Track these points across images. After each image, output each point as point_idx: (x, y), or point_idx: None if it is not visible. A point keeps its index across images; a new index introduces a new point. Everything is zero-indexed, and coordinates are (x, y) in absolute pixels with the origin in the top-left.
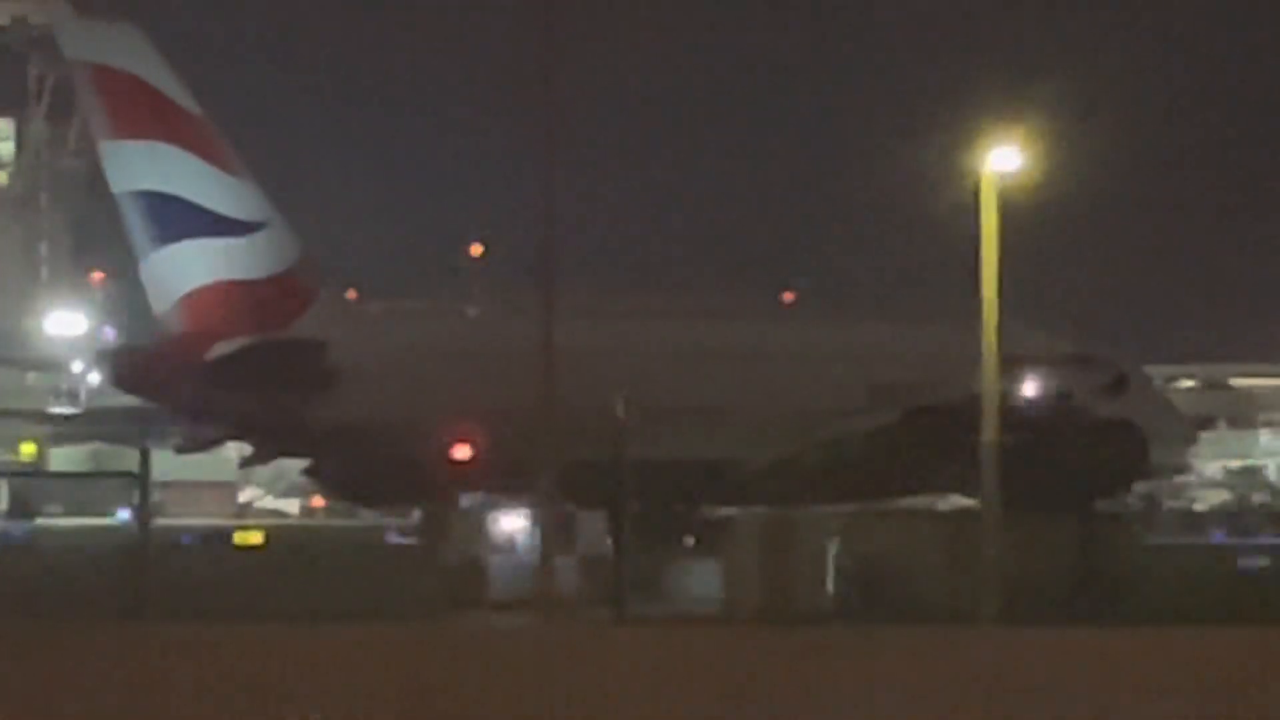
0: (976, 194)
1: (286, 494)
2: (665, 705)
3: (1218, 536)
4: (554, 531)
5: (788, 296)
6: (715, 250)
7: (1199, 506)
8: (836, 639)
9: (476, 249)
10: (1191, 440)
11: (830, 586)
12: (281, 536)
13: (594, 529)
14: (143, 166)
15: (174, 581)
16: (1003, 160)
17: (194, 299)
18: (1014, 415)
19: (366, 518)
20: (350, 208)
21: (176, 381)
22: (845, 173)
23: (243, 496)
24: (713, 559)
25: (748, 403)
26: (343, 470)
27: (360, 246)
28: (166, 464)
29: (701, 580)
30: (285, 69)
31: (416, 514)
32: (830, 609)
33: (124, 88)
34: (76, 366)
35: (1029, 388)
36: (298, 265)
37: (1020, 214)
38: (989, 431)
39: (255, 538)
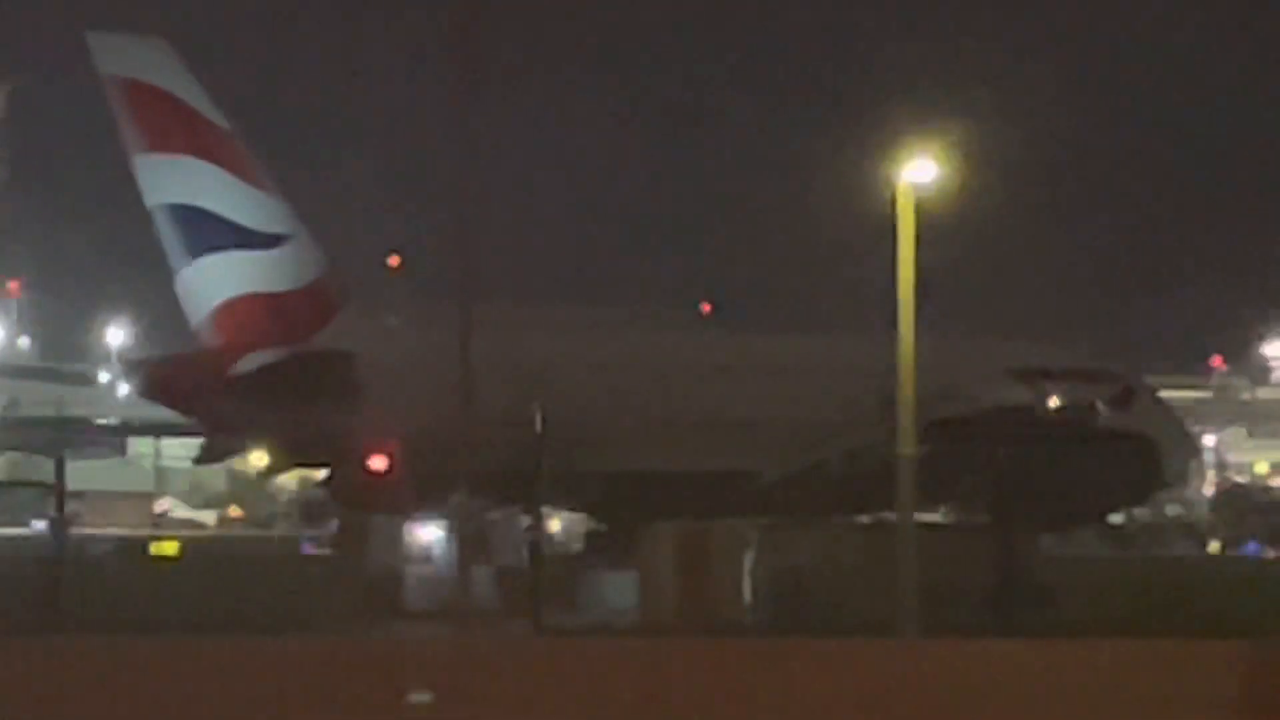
0: (892, 205)
1: (203, 505)
2: (579, 716)
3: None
4: (470, 542)
5: (705, 308)
6: (630, 262)
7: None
8: (753, 650)
9: (394, 260)
10: (1197, 453)
11: (747, 597)
12: (198, 547)
13: (511, 539)
14: (174, 180)
15: (89, 593)
16: (918, 172)
17: (224, 311)
18: (1029, 428)
19: (282, 529)
20: None
21: (204, 393)
22: (759, 184)
23: (159, 507)
24: (631, 570)
25: (765, 415)
26: (359, 480)
27: None
28: (81, 474)
29: (618, 591)
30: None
31: (333, 524)
32: (747, 620)
33: (155, 102)
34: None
35: (1042, 400)
36: (323, 277)
37: (937, 223)
38: (905, 444)
39: (171, 548)
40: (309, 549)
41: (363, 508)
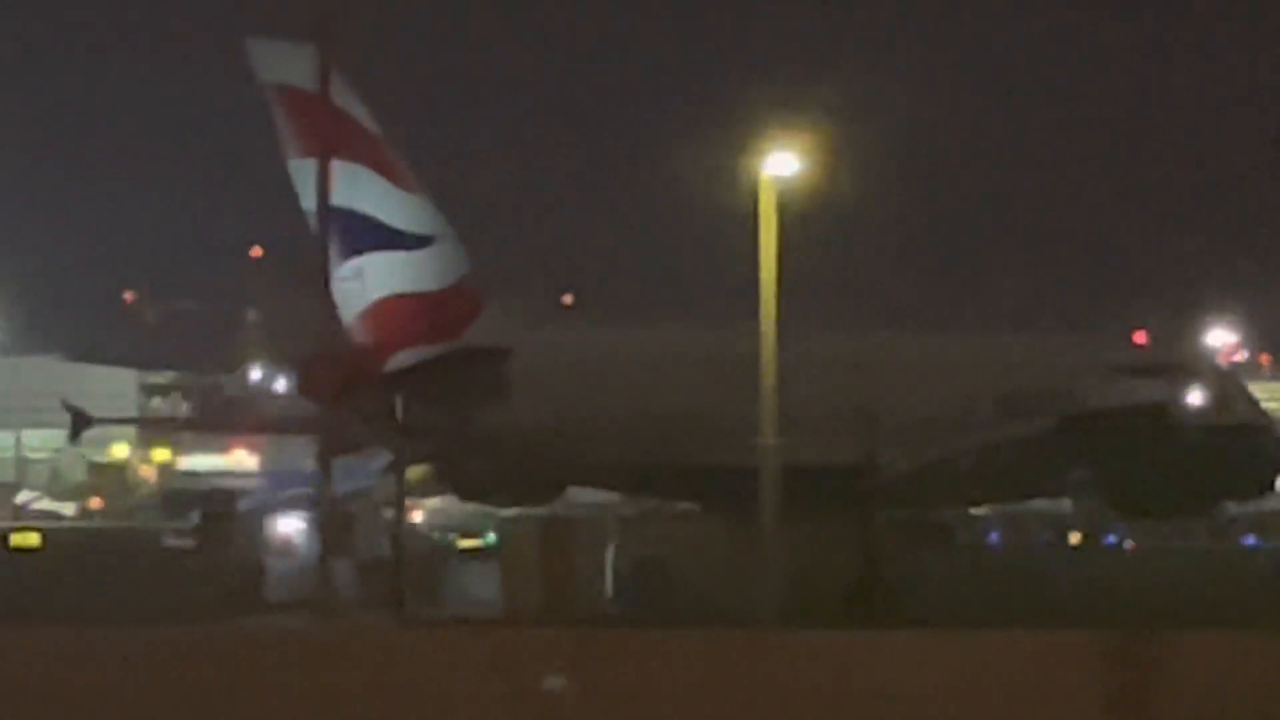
0: (755, 198)
1: (64, 497)
2: (443, 707)
3: (993, 536)
4: (332, 533)
5: (566, 299)
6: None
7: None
8: (615, 641)
9: (256, 251)
10: None
11: (609, 588)
12: (59, 539)
13: (373, 530)
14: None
15: None
16: (780, 165)
17: (375, 310)
18: (1144, 421)
19: (144, 521)
20: (129, 209)
21: (356, 390)
22: (623, 177)
23: (19, 498)
24: (492, 561)
25: (898, 409)
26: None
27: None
28: None
29: (480, 583)
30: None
31: (195, 517)
32: (610, 610)
33: (309, 107)
34: None
35: (1148, 394)
36: (467, 277)
37: (800, 216)
38: (766, 434)
39: (32, 539)
40: (171, 541)
41: (478, 500)
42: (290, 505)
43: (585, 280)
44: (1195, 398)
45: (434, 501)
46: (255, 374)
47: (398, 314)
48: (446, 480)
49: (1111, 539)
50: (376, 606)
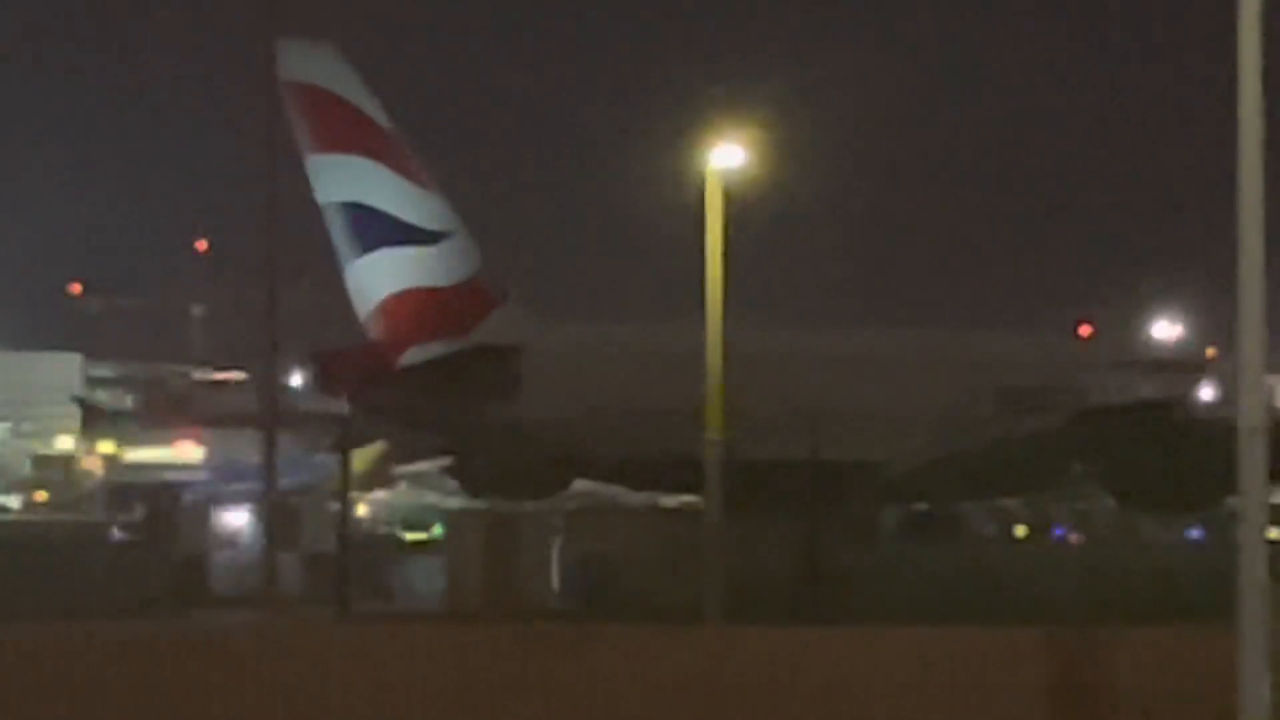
0: (701, 191)
1: (7, 490)
2: (387, 702)
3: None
4: (278, 527)
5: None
6: None
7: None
8: (560, 636)
9: (202, 244)
10: None
11: (555, 583)
12: (3, 531)
13: (318, 524)
14: (343, 179)
15: None
16: (726, 157)
17: (389, 305)
18: (1151, 417)
19: (89, 514)
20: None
21: (370, 384)
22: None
23: None
24: (438, 555)
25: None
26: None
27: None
28: None
29: (425, 577)
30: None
31: (140, 510)
32: (555, 606)
33: (327, 105)
34: None
35: (1155, 391)
36: (480, 272)
37: (747, 209)
38: (712, 429)
39: None
40: (116, 534)
41: (490, 494)
42: (236, 498)
43: (530, 276)
44: (1200, 395)
45: (380, 495)
46: (205, 368)
47: (411, 309)
48: (453, 474)
49: (1060, 532)
50: (321, 600)
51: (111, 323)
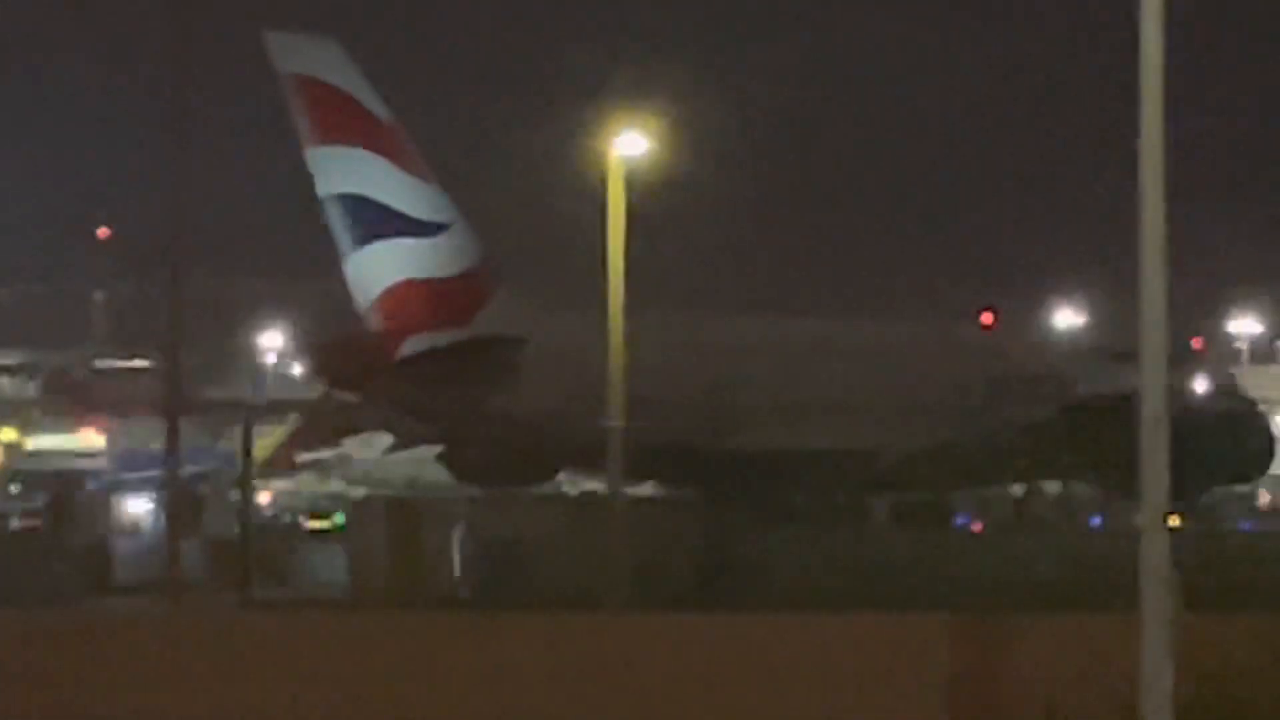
0: (604, 179)
1: None
2: (288, 690)
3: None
4: (180, 514)
5: None
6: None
7: None
8: (462, 624)
9: (104, 231)
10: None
11: (457, 571)
12: None
13: (220, 511)
14: (343, 171)
15: None
16: (628, 145)
17: (388, 296)
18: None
19: None
20: None
21: (370, 374)
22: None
23: None
24: (341, 542)
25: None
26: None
27: None
28: None
29: (328, 564)
30: None
31: (41, 498)
32: (457, 593)
33: (327, 97)
34: None
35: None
36: (479, 264)
37: (649, 197)
38: (615, 416)
39: None
40: (17, 522)
41: (480, 482)
42: (138, 486)
43: None
44: (1189, 385)
45: (282, 482)
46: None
47: (410, 300)
48: (444, 462)
49: (964, 519)
50: (224, 588)
51: (12, 310)
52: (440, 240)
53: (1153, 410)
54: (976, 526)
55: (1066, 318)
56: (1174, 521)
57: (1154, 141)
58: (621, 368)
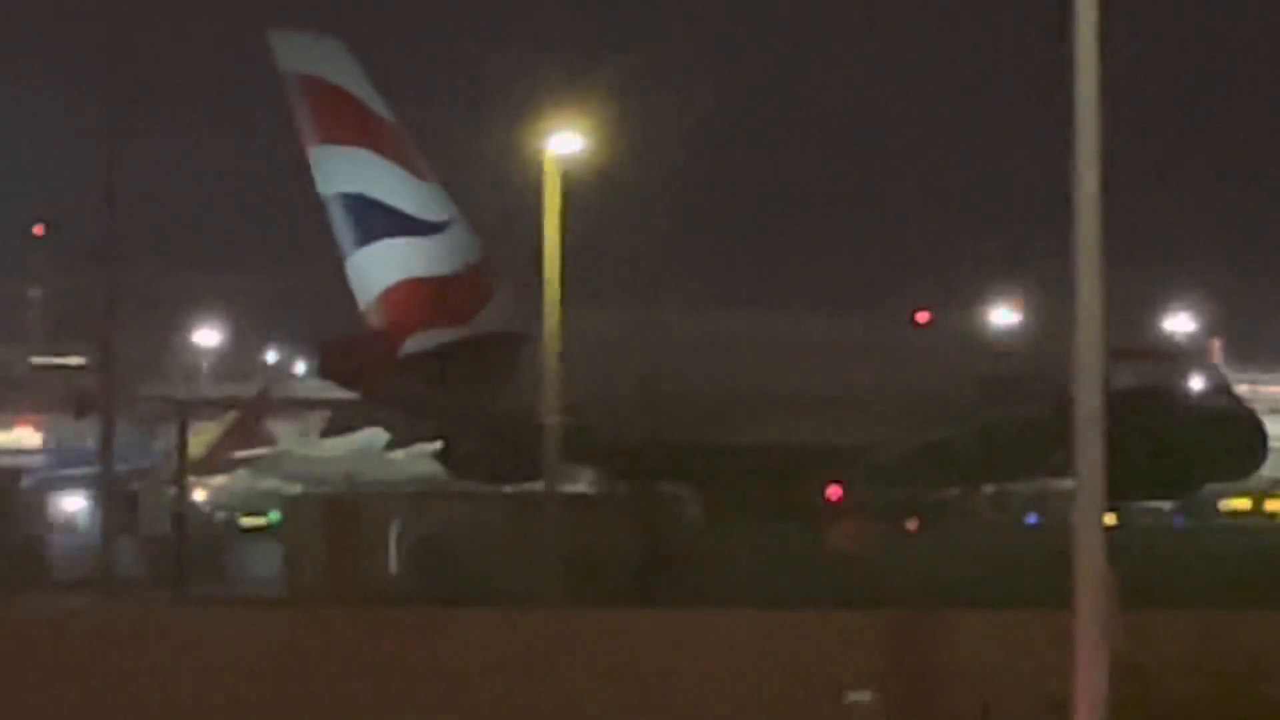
0: (540, 177)
1: None
2: (223, 686)
3: None
4: (115, 511)
5: None
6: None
7: None
8: (399, 620)
9: (39, 229)
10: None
11: (394, 567)
12: None
13: (156, 508)
14: (345, 170)
15: None
16: (564, 143)
17: (390, 295)
18: (1135, 405)
19: None
20: None
21: (373, 372)
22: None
23: None
24: (276, 539)
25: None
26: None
27: None
28: None
29: (263, 562)
30: None
31: None
32: (394, 589)
33: (330, 97)
34: None
35: (1141, 379)
36: (479, 262)
37: (586, 194)
38: (551, 413)
39: None
40: None
41: (476, 478)
42: (73, 483)
43: None
44: (1183, 384)
45: (218, 480)
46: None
47: (412, 298)
48: (441, 458)
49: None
50: (159, 585)
51: None
52: (441, 238)
53: (1088, 408)
54: (911, 525)
55: (1001, 314)
56: (1109, 519)
57: (1089, 143)
58: (557, 364)
